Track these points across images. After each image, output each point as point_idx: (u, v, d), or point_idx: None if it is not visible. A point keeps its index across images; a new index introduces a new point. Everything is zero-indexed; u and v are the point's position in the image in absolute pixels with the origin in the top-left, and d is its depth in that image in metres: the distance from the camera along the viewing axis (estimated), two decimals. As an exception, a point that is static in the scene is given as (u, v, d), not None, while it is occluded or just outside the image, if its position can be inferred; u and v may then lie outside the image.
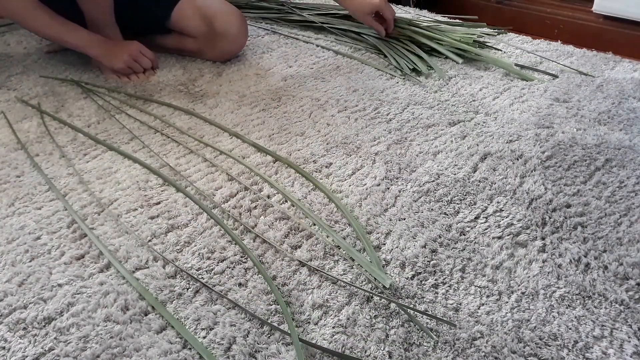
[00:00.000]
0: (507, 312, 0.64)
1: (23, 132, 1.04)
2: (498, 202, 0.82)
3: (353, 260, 0.71)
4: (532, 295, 0.66)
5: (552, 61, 1.33)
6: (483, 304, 0.65)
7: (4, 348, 0.59)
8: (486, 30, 1.55)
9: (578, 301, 0.65)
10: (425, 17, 1.68)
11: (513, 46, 1.44)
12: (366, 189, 0.86)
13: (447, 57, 1.37)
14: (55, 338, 0.60)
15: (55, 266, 0.70)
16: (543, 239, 0.75)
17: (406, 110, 1.11)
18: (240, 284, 0.68)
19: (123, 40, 1.28)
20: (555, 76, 1.26)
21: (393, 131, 1.03)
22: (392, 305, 0.65)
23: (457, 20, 1.63)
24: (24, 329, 0.61)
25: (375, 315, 0.63)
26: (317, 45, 1.47)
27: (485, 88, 1.21)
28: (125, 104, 1.15)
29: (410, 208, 0.82)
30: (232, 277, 0.69)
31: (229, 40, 1.31)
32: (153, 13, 1.33)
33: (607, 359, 0.58)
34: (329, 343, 0.60)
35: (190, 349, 0.59)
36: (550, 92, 1.18)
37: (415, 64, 1.31)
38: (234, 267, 0.70)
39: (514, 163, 0.92)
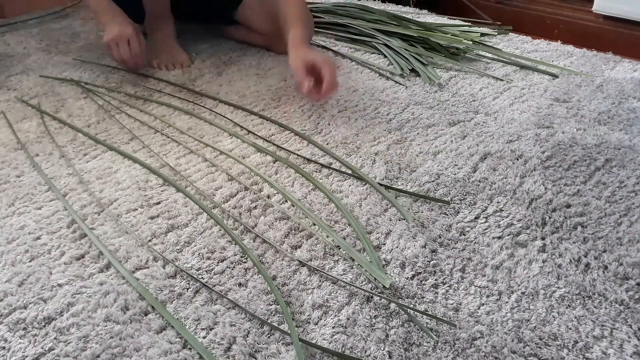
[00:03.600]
0: (507, 312, 0.64)
1: (23, 132, 1.04)
2: (498, 202, 0.82)
3: (353, 260, 0.71)
4: (532, 295, 0.66)
5: (537, 62, 1.33)
6: (483, 304, 0.65)
7: (4, 348, 0.59)
8: (486, 30, 1.55)
9: (578, 301, 0.65)
10: (425, 17, 1.69)
11: (513, 46, 1.45)
12: (366, 189, 0.86)
13: (447, 57, 1.37)
14: (55, 338, 0.60)
15: (55, 266, 0.70)
16: (543, 239, 0.75)
17: (406, 110, 1.11)
18: (240, 284, 0.68)
19: (130, 23, 1.25)
20: (555, 76, 1.26)
21: (393, 131, 1.03)
22: (392, 305, 0.65)
23: (458, 20, 1.64)
24: (24, 329, 0.61)
25: (375, 315, 0.63)
26: (317, 46, 1.47)
27: (485, 88, 1.21)
28: (125, 104, 1.15)
29: (410, 208, 0.82)
30: (232, 277, 0.69)
31: None
32: (222, 3, 1.38)
33: (607, 359, 0.58)
34: (329, 343, 0.60)
35: (190, 349, 0.59)
36: (550, 92, 1.18)
37: (415, 64, 1.31)
38: (234, 267, 0.70)
39: (514, 163, 0.92)
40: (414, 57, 1.34)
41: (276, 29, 1.27)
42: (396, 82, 1.24)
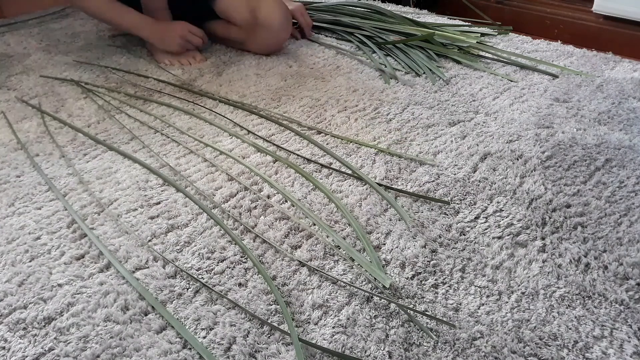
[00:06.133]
0: (507, 312, 0.64)
1: (23, 132, 1.04)
2: (498, 202, 0.82)
3: (353, 260, 0.71)
4: (532, 295, 0.66)
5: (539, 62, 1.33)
6: (483, 304, 0.65)
7: (4, 348, 0.59)
8: (486, 30, 1.55)
9: (578, 301, 0.65)
10: (425, 17, 1.68)
11: (513, 46, 1.44)
12: (366, 189, 0.86)
13: (447, 57, 1.37)
14: (55, 338, 0.60)
15: (55, 266, 0.70)
16: (543, 239, 0.75)
17: (406, 110, 1.11)
18: (240, 284, 0.68)
19: (171, 21, 1.33)
20: (555, 76, 1.26)
21: (393, 131, 1.03)
22: (392, 305, 0.65)
23: (458, 20, 1.64)
24: (24, 329, 0.61)
25: (375, 315, 0.63)
26: (319, 44, 1.47)
27: (485, 88, 1.21)
28: (125, 104, 1.15)
29: (410, 208, 0.82)
30: (232, 277, 0.69)
31: (270, 32, 1.34)
32: None
33: (607, 359, 0.58)
34: (329, 343, 0.60)
35: (190, 349, 0.59)
36: (550, 92, 1.18)
37: (416, 64, 1.31)
38: (234, 267, 0.70)
39: (514, 163, 0.92)
40: (414, 57, 1.34)
41: (253, 21, 1.32)
42: (396, 82, 1.24)
